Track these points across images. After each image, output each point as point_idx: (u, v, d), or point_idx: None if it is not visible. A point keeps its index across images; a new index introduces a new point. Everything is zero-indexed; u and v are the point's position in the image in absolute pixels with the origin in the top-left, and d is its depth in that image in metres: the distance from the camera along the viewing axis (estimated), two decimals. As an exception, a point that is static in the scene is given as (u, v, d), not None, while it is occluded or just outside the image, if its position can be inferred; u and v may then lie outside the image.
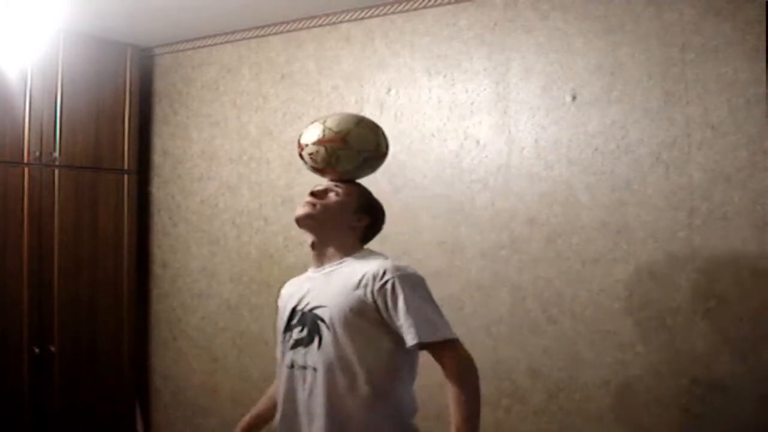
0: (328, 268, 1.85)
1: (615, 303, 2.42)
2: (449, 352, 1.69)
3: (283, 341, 1.86)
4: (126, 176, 3.46)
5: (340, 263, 1.83)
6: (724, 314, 2.25)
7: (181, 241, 3.54)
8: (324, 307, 1.77)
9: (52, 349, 3.16)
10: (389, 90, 2.93)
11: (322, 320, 1.75)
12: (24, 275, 3.09)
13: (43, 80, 3.16)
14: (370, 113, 2.95)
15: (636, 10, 2.41)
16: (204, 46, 3.46)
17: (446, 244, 2.75)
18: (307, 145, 1.87)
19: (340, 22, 3.04)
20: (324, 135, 1.84)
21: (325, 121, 1.87)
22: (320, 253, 1.88)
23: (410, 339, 1.67)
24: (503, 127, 2.65)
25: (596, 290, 2.46)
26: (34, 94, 3.13)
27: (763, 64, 2.19)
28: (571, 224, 2.51)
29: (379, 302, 1.71)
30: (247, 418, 2.04)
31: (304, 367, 1.77)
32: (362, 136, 1.87)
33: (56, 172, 3.21)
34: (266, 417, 2.01)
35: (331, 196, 1.87)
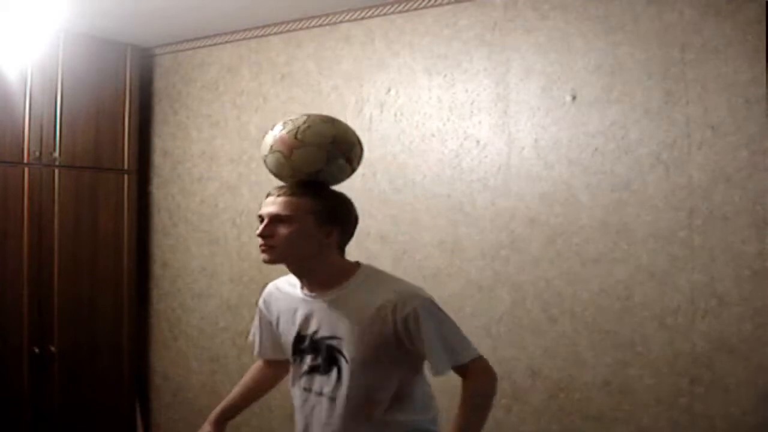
0: (327, 295, 1.70)
1: (615, 303, 2.42)
2: (473, 367, 1.67)
3: (295, 362, 1.79)
4: (126, 176, 3.46)
5: (340, 289, 1.69)
6: (724, 314, 2.25)
7: (181, 241, 3.54)
8: (339, 339, 1.67)
9: (52, 349, 3.16)
10: (389, 90, 2.92)
11: (340, 352, 1.67)
12: (24, 275, 3.09)
13: (43, 80, 3.16)
14: (370, 113, 2.95)
15: (636, 10, 2.41)
16: (204, 46, 3.46)
17: (446, 244, 2.75)
18: (274, 127, 1.73)
19: (340, 22, 3.04)
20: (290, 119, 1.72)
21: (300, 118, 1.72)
22: (305, 279, 1.73)
23: (439, 369, 1.63)
24: (503, 127, 2.65)
25: (596, 290, 2.46)
26: (34, 94, 3.13)
27: (763, 64, 2.19)
28: (571, 224, 2.51)
29: (403, 334, 1.63)
30: (218, 409, 1.97)
31: (320, 394, 1.72)
32: (322, 126, 1.70)
33: (56, 172, 3.21)
34: (241, 407, 2.00)
35: (280, 227, 1.64)
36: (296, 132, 1.66)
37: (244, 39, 3.33)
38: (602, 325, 2.44)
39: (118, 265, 3.42)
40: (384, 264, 2.88)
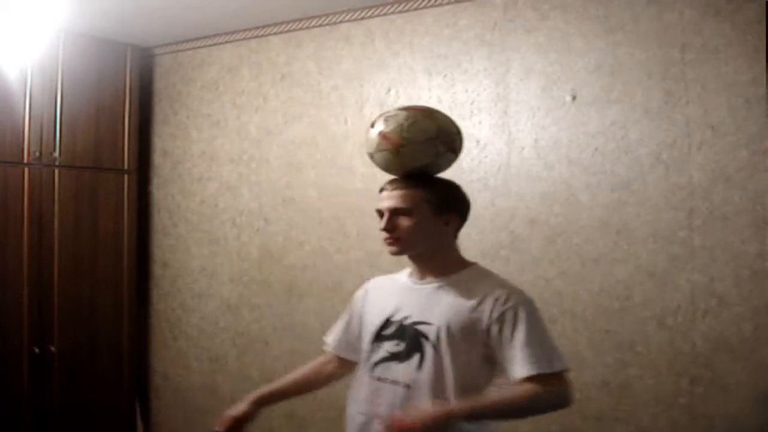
0: (435, 282, 1.72)
1: (615, 303, 2.42)
2: (554, 381, 1.60)
3: (371, 350, 1.76)
4: (126, 176, 3.46)
5: (450, 279, 1.71)
6: (724, 314, 2.25)
7: (181, 241, 3.53)
8: (430, 324, 1.67)
9: (52, 349, 3.16)
10: (389, 90, 2.92)
11: (427, 338, 1.66)
12: (24, 275, 3.09)
13: (43, 80, 3.15)
14: (370, 113, 2.95)
15: (636, 10, 2.41)
16: (204, 46, 3.46)
17: (446, 244, 2.75)
18: (385, 112, 1.78)
19: (340, 22, 3.04)
20: (411, 106, 1.77)
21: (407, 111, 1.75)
22: (423, 266, 1.75)
23: (523, 371, 1.58)
24: (503, 127, 2.65)
25: (596, 290, 2.46)
26: (34, 94, 3.13)
27: (763, 64, 2.19)
28: (571, 224, 2.51)
29: (494, 328, 1.62)
30: (263, 390, 1.93)
31: (395, 383, 1.69)
32: (444, 118, 1.76)
33: (56, 172, 3.21)
34: (287, 394, 1.96)
35: (402, 220, 1.69)
36: (401, 130, 1.70)
37: (244, 39, 3.33)
38: (602, 325, 2.44)
39: (118, 265, 3.42)
40: (384, 264, 2.88)
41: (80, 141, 3.29)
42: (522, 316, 1.61)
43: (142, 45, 3.54)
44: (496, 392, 1.64)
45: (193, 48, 3.50)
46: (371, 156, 1.78)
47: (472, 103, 2.72)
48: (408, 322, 1.71)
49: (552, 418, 2.51)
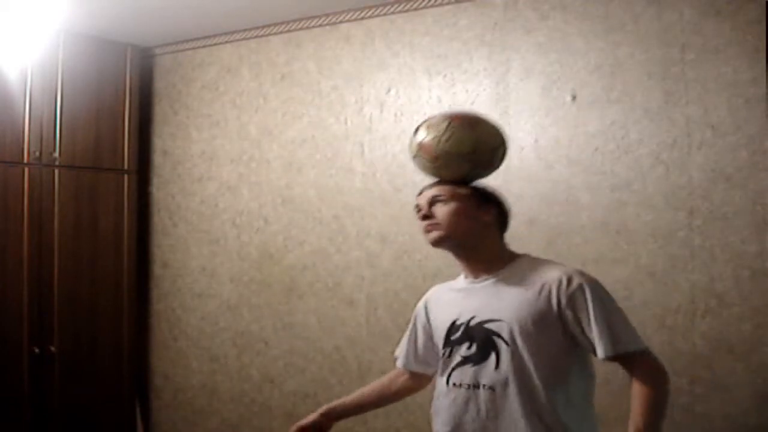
0: (490, 278, 1.69)
1: (615, 303, 2.42)
2: (642, 360, 1.60)
3: (445, 358, 1.72)
4: (126, 176, 3.46)
5: (504, 271, 1.69)
6: (724, 314, 2.25)
7: (181, 241, 3.53)
8: (500, 321, 1.63)
9: (52, 349, 3.16)
10: (389, 90, 2.93)
11: (499, 336, 1.62)
12: (24, 275, 3.09)
13: (43, 80, 3.15)
14: (370, 113, 2.95)
15: (636, 10, 2.41)
16: (204, 46, 3.46)
17: (446, 244, 2.75)
18: (427, 120, 1.75)
19: (340, 22, 3.04)
20: (455, 114, 1.74)
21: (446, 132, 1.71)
22: (472, 263, 1.72)
23: (604, 351, 1.56)
24: (503, 127, 2.65)
25: (596, 290, 2.45)
26: (34, 94, 3.13)
27: (763, 64, 2.19)
28: (571, 224, 2.51)
29: (567, 312, 1.59)
30: (337, 403, 1.91)
31: (476, 387, 1.64)
32: (491, 130, 1.74)
33: (56, 172, 3.21)
34: (358, 408, 1.95)
35: (440, 207, 1.68)
36: (437, 142, 1.68)
37: (244, 39, 3.33)
38: (602, 325, 2.44)
39: (118, 265, 3.42)
40: (384, 264, 2.88)
41: (80, 141, 3.29)
42: (591, 295, 1.58)
43: (142, 45, 3.54)
44: (638, 405, 1.58)
45: (193, 48, 3.50)
46: (413, 158, 1.77)
47: (472, 103, 2.72)
48: (474, 322, 1.67)
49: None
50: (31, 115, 3.11)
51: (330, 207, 3.05)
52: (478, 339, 1.65)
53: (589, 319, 1.57)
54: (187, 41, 3.50)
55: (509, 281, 1.67)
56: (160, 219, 3.62)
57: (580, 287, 1.59)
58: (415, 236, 2.82)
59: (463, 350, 1.67)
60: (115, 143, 3.42)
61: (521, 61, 2.62)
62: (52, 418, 3.16)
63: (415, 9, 2.86)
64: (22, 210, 3.09)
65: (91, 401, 3.31)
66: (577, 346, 1.63)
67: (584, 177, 2.49)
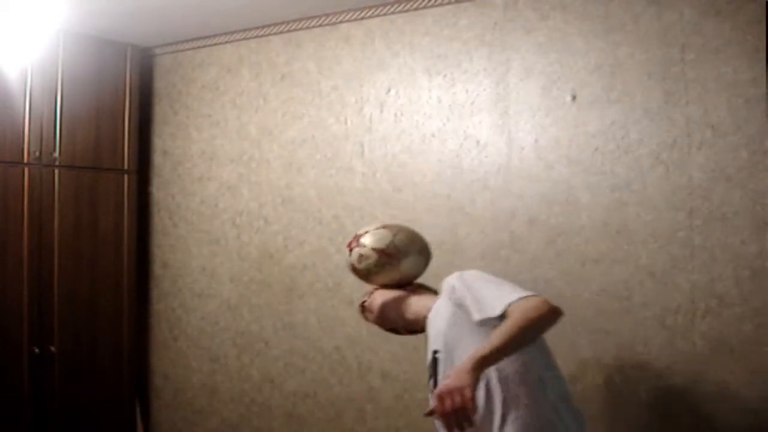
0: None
1: (615, 303, 2.42)
2: (514, 307, 1.70)
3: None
4: (126, 176, 3.46)
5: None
6: (724, 314, 2.25)
7: (181, 241, 3.54)
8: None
9: (52, 349, 3.16)
10: (389, 90, 2.93)
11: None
12: (24, 275, 3.09)
13: (43, 80, 3.16)
14: (370, 113, 2.95)
15: (636, 10, 2.41)
16: (204, 46, 3.46)
17: (446, 245, 2.75)
18: (365, 245, 2.02)
19: (340, 22, 3.04)
20: (386, 247, 2.00)
21: (395, 236, 2.02)
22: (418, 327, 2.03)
23: (497, 310, 1.71)
24: (503, 127, 2.65)
25: (596, 290, 2.46)
26: (34, 94, 3.13)
27: (763, 64, 2.19)
28: (571, 224, 2.51)
29: (463, 304, 1.80)
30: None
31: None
32: (415, 263, 2.05)
33: (56, 172, 3.21)
34: None
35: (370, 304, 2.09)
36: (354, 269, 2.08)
37: (244, 39, 3.33)
38: (602, 325, 2.44)
39: (118, 265, 3.42)
40: (384, 264, 2.88)
41: (80, 141, 3.29)
42: (458, 282, 1.82)
43: (142, 45, 3.54)
44: (497, 329, 1.68)
45: (193, 48, 3.50)
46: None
47: (472, 103, 2.72)
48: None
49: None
50: (31, 115, 3.12)
51: (330, 207, 3.05)
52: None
53: (474, 298, 1.78)
54: (187, 41, 3.50)
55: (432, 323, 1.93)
56: (160, 219, 3.62)
57: (454, 279, 1.84)
58: (415, 236, 2.82)
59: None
60: (115, 143, 3.42)
61: (521, 61, 2.62)
62: (52, 418, 3.16)
63: (415, 9, 2.86)
64: (22, 210, 3.09)
65: (91, 401, 3.31)
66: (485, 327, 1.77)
67: (584, 177, 2.49)
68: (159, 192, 3.64)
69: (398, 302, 2.03)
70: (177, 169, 3.56)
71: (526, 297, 1.70)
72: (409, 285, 2.08)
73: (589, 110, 2.49)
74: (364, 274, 2.04)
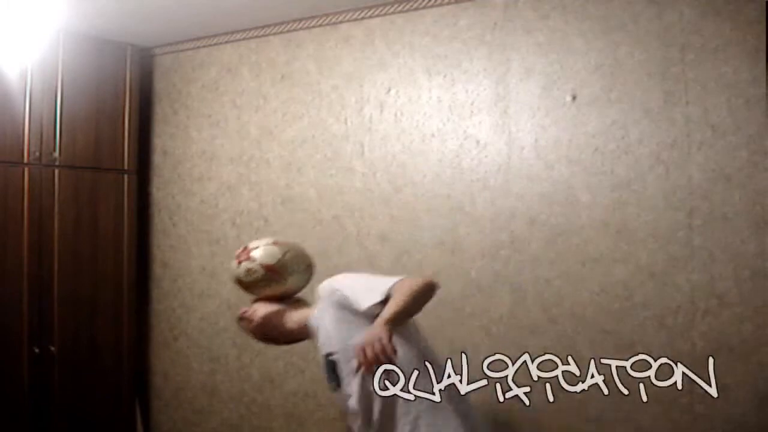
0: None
1: (615, 303, 2.42)
2: (397, 284, 1.84)
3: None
4: (126, 176, 3.46)
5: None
6: (724, 314, 2.25)
7: (181, 241, 3.53)
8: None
9: (52, 349, 3.16)
10: (389, 90, 2.93)
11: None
12: (24, 275, 3.08)
13: (43, 80, 3.15)
14: (370, 113, 2.95)
15: (636, 10, 2.41)
16: (204, 46, 3.46)
17: (446, 244, 2.75)
18: (254, 260, 2.07)
19: (340, 22, 3.04)
20: (275, 264, 2.07)
21: (285, 254, 2.09)
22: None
23: (363, 304, 1.84)
24: (503, 127, 2.65)
25: (596, 290, 2.46)
26: (34, 94, 3.12)
27: (763, 64, 2.19)
28: (571, 224, 2.51)
29: (344, 303, 1.93)
30: None
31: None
32: (300, 280, 2.15)
33: (56, 172, 3.20)
34: None
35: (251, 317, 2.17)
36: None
37: (244, 39, 3.33)
38: (602, 325, 2.44)
39: (118, 265, 3.42)
40: (384, 264, 2.88)
41: (80, 141, 3.29)
42: (340, 282, 1.96)
43: (142, 45, 3.54)
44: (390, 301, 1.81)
45: (193, 48, 3.50)
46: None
47: (472, 103, 2.72)
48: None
49: (552, 420, 2.51)
50: (31, 115, 3.11)
51: (330, 207, 3.05)
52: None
53: (350, 297, 1.89)
54: (187, 41, 3.50)
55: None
56: (160, 219, 3.62)
57: (327, 287, 1.97)
58: (415, 236, 2.82)
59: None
60: (115, 143, 3.41)
61: (521, 61, 2.62)
62: (52, 418, 3.16)
63: (415, 9, 2.86)
64: (22, 210, 3.09)
65: (91, 401, 3.31)
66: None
67: (584, 177, 2.49)
68: (159, 192, 3.64)
69: (279, 315, 2.11)
70: (177, 169, 3.56)
71: (401, 279, 1.85)
72: (289, 299, 2.16)
73: (589, 110, 2.49)
74: (249, 286, 2.11)
